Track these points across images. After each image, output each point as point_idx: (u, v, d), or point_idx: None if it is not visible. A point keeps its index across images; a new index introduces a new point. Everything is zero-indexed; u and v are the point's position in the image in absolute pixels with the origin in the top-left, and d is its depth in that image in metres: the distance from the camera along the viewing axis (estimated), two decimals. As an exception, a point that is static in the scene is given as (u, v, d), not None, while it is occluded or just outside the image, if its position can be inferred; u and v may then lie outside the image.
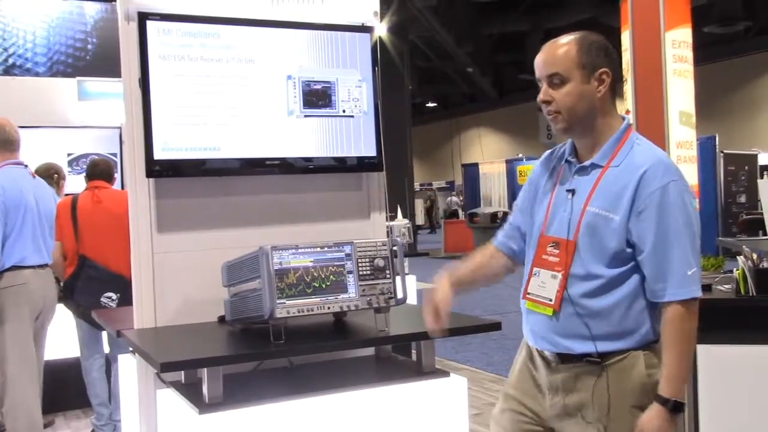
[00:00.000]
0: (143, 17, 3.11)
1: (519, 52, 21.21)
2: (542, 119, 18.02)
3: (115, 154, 6.07)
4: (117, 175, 5.49)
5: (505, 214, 17.91)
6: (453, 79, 24.33)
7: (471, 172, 22.04)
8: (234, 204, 3.30)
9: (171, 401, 2.69)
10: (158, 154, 3.09)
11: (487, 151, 27.81)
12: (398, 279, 2.81)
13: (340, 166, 3.47)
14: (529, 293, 2.08)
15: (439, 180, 32.33)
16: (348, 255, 2.74)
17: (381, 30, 3.70)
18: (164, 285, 3.13)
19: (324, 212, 3.49)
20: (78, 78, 6.42)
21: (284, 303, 2.63)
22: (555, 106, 2.00)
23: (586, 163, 2.04)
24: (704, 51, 14.29)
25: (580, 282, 1.98)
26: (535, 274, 2.06)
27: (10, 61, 6.30)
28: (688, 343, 1.92)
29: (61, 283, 4.38)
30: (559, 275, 1.99)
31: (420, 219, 27.81)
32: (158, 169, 3.10)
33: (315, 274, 2.68)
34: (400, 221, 7.43)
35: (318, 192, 3.50)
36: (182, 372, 2.72)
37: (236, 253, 2.94)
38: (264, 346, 2.65)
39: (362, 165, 3.52)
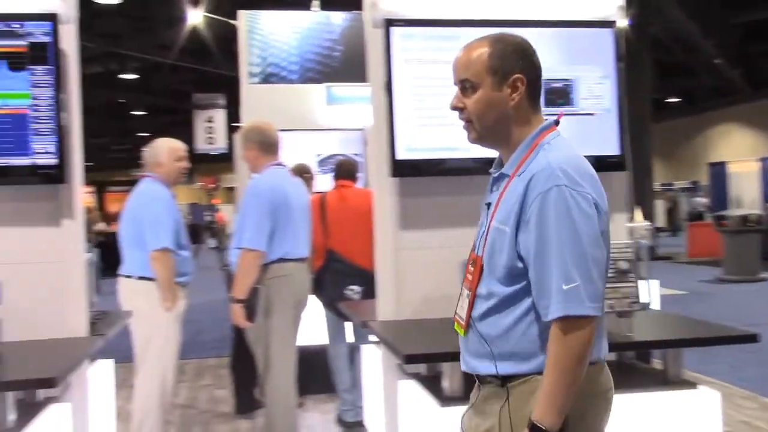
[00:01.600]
0: (389, 24, 3.26)
1: (776, 41, 19.34)
2: (804, 112, 16.25)
3: (358, 155, 6.41)
4: (360, 175, 5.80)
5: (759, 217, 16.40)
6: (698, 72, 22.76)
7: (718, 171, 20.46)
8: (473, 203, 3.32)
9: (413, 392, 2.80)
10: (401, 155, 3.23)
11: (738, 149, 25.69)
12: (642, 283, 2.69)
13: (579, 165, 3.39)
14: (456, 314, 1.95)
15: (681, 180, 30.38)
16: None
17: (622, 23, 3.57)
18: (406, 280, 3.26)
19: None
20: (326, 84, 6.87)
21: (523, 302, 2.62)
22: (466, 114, 1.85)
23: (497, 173, 1.90)
24: None
25: (482, 301, 1.84)
26: (461, 294, 1.93)
27: (268, 70, 6.89)
28: (565, 367, 1.68)
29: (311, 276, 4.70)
30: (469, 292, 1.87)
31: (660, 221, 26.33)
32: (401, 169, 3.24)
33: (555, 274, 2.64)
34: (640, 223, 7.08)
35: (556, 191, 3.45)
36: (424, 364, 2.82)
37: (475, 252, 2.98)
38: (502, 345, 2.66)
39: (603, 164, 3.41)
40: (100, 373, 3.30)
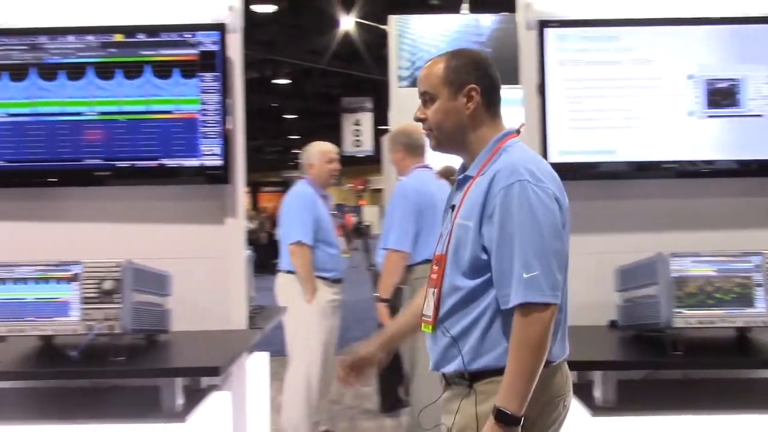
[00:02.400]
0: (543, 25, 3.22)
1: None
2: None
3: (504, 158, 6.36)
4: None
5: None
6: None
7: None
8: (627, 208, 3.25)
9: (562, 400, 2.74)
10: (553, 158, 3.18)
11: None
12: (816, 297, 2.52)
13: (743, 169, 3.22)
14: (422, 314, 2.01)
15: None
16: (757, 266, 2.53)
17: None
18: (556, 285, 3.20)
19: (724, 219, 3.26)
20: (473, 86, 6.86)
21: (682, 312, 2.53)
22: (428, 124, 1.98)
23: (461, 176, 1.99)
24: None
25: (448, 296, 1.92)
26: (426, 294, 2.01)
27: (417, 73, 6.97)
28: (526, 352, 1.75)
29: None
30: (435, 290, 1.95)
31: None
32: (553, 172, 3.18)
33: (718, 284, 2.53)
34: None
35: (717, 197, 3.29)
36: (573, 372, 2.76)
37: (628, 258, 2.90)
38: (659, 356, 2.58)
39: (770, 169, 3.22)
40: (257, 365, 3.47)
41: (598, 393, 2.53)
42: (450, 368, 1.91)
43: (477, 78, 1.95)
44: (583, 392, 2.62)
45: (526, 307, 1.76)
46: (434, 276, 1.97)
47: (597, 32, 3.22)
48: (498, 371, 1.81)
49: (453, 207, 1.99)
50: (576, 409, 2.58)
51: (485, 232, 1.84)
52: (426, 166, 4.16)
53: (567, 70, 3.20)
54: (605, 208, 3.26)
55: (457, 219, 1.92)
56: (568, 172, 3.19)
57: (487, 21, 7.20)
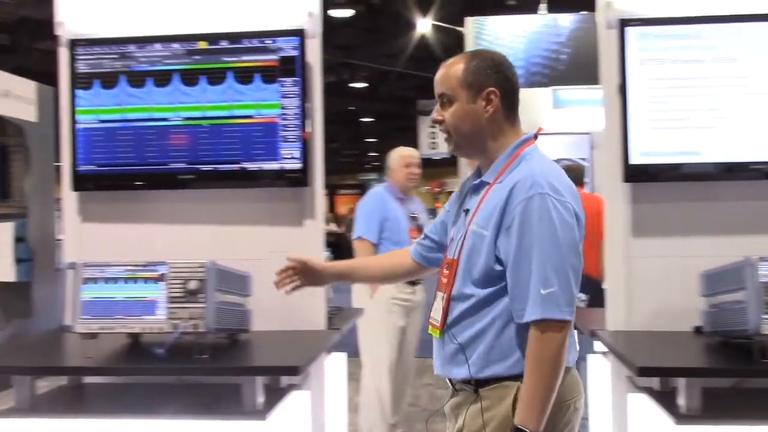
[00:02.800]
0: (623, 24, 3.16)
1: None
2: None
3: (584, 159, 6.26)
4: (586, 180, 5.65)
5: None
6: None
7: None
8: (714, 210, 3.15)
9: (644, 407, 2.69)
10: (635, 159, 3.12)
11: None
12: None
13: (839, 169, 3.07)
14: (430, 317, 2.00)
15: None
16: None
17: None
18: (638, 289, 3.14)
19: (818, 222, 3.12)
20: (553, 87, 6.79)
21: (772, 319, 2.43)
22: (445, 126, 1.96)
23: (477, 181, 1.96)
24: None
25: (457, 303, 1.91)
26: (435, 298, 1.99)
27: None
28: (542, 369, 1.74)
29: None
30: (444, 295, 1.93)
31: None
32: (635, 174, 3.12)
33: (810, 290, 2.42)
34: None
35: (810, 199, 3.15)
36: (655, 379, 2.70)
37: (715, 262, 2.81)
38: (747, 363, 2.49)
39: None
40: (335, 365, 3.51)
41: (682, 400, 2.46)
42: (456, 375, 1.92)
43: (497, 81, 1.92)
44: (667, 399, 2.56)
45: (542, 324, 1.75)
46: (444, 280, 1.97)
47: (680, 30, 3.13)
48: (505, 378, 1.84)
49: (467, 211, 1.97)
50: (659, 416, 2.53)
51: (501, 244, 1.83)
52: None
53: (648, 69, 3.13)
54: (690, 210, 3.17)
55: (472, 226, 1.90)
56: (650, 174, 3.13)
57: (566, 21, 7.11)
